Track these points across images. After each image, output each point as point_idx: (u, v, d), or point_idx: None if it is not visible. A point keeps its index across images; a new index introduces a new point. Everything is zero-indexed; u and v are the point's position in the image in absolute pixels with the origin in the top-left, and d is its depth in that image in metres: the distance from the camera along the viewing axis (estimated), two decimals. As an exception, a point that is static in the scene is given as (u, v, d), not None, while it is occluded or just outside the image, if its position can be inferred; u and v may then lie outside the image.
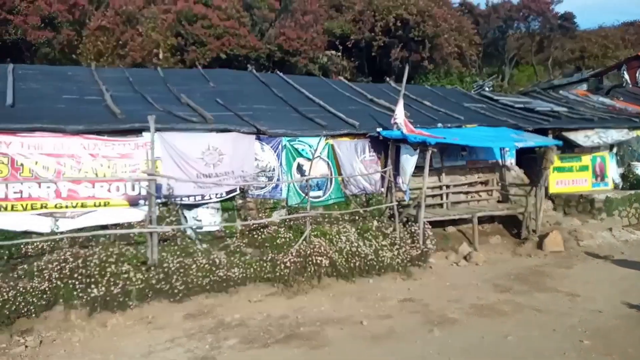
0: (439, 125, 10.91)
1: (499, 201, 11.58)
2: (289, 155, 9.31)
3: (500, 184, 11.70)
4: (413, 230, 9.08)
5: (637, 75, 19.11)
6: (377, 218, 9.65)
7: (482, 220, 10.67)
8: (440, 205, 11.05)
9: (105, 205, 7.59)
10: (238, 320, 6.41)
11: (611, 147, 13.07)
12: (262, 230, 8.33)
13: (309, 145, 9.46)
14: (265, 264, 7.60)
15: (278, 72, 13.84)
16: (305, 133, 9.44)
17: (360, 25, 21.43)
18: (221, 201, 8.60)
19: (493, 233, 10.85)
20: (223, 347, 5.60)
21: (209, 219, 8.52)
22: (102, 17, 17.64)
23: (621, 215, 11.70)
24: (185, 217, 8.31)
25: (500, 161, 11.78)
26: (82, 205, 7.45)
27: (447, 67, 22.96)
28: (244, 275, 7.39)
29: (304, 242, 8.05)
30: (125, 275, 6.66)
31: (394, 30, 20.90)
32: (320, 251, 7.88)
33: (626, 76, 19.31)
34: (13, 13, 15.77)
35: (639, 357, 5.04)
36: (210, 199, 8.46)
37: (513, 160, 12.35)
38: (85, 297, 6.33)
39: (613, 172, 13.09)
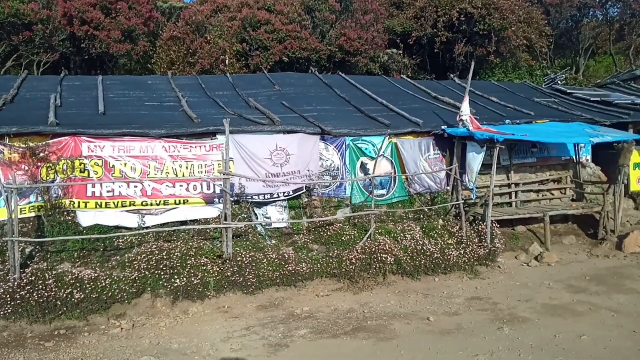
0: (507, 121, 10.61)
1: (572, 200, 11.05)
2: (353, 154, 9.51)
3: (574, 182, 11.15)
4: (480, 229, 8.95)
5: None
6: (442, 217, 9.61)
7: (554, 220, 10.26)
8: (509, 204, 10.74)
9: (184, 202, 8.20)
10: (307, 313, 6.71)
11: (702, 140, 11.99)
12: (327, 227, 8.60)
13: (372, 144, 9.60)
14: (331, 260, 7.86)
15: (340, 72, 14.07)
16: (368, 132, 9.59)
17: (421, 22, 21.11)
18: (288, 199, 8.96)
19: (567, 233, 10.39)
20: (294, 336, 5.91)
21: (277, 216, 8.92)
22: (173, 27, 18.82)
23: None
24: (255, 214, 8.77)
25: (574, 158, 11.24)
26: (165, 203, 8.10)
27: (515, 61, 22.02)
28: (311, 270, 7.69)
29: (369, 239, 8.22)
30: (204, 268, 7.20)
31: (457, 24, 20.39)
32: (384, 248, 8.01)
33: None
34: (98, 29, 17.29)
35: None
36: (278, 197, 8.85)
37: (589, 157, 11.74)
38: (169, 286, 6.92)
39: None
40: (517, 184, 10.79)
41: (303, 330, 6.06)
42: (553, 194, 11.12)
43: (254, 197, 8.66)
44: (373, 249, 8.00)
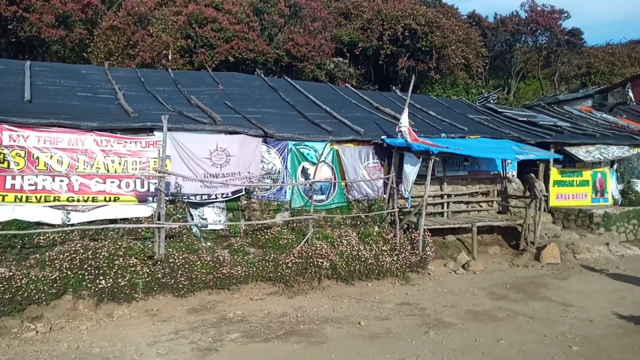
0: (443, 135, 11.14)
1: (498, 212, 11.76)
2: (295, 158, 9.54)
3: (500, 195, 11.89)
4: (413, 237, 9.28)
5: (641, 93, 19.27)
6: (378, 224, 9.87)
7: (481, 231, 10.86)
8: (441, 213, 11.25)
9: (115, 200, 7.82)
10: (240, 316, 6.62)
11: (612, 163, 13.26)
12: (265, 230, 8.55)
13: (314, 150, 9.70)
14: (267, 264, 7.81)
15: (286, 77, 14.10)
16: (311, 138, 9.68)
17: (368, 34, 21.68)
18: (227, 201, 8.82)
19: (492, 243, 11.03)
20: (225, 340, 5.81)
21: (214, 217, 8.74)
22: (114, 17, 17.95)
23: (619, 231, 11.87)
24: (191, 215, 8.54)
25: (501, 173, 11.98)
26: (93, 200, 7.68)
27: (453, 78, 23.18)
28: (247, 273, 7.60)
29: (306, 244, 8.26)
30: (133, 269, 6.89)
31: (401, 39, 21.14)
32: (321, 253, 8.09)
33: (630, 94, 19.48)
34: (29, 10, 16.11)
35: (625, 364, 5.23)
36: (216, 198, 8.68)
37: (515, 172, 12.58)
38: (93, 287, 6.56)
39: (613, 188, 13.27)
40: (449, 195, 11.33)
41: (234, 334, 5.97)
42: (481, 206, 11.79)
43: (191, 197, 8.44)
44: (310, 254, 8.05)
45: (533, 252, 10.35)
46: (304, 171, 9.60)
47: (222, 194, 8.73)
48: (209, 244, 8.19)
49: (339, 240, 8.72)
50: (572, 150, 12.43)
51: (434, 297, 7.74)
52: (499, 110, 15.11)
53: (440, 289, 8.21)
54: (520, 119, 14.06)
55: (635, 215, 12.18)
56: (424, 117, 12.68)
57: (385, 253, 8.83)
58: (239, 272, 7.54)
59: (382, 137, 10.29)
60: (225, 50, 17.22)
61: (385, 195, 10.35)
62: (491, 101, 16.96)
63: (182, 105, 9.92)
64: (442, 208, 11.30)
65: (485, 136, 11.70)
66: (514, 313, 6.93)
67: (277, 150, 9.39)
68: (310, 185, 8.91)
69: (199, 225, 8.47)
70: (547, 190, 12.26)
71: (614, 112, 17.28)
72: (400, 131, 9.90)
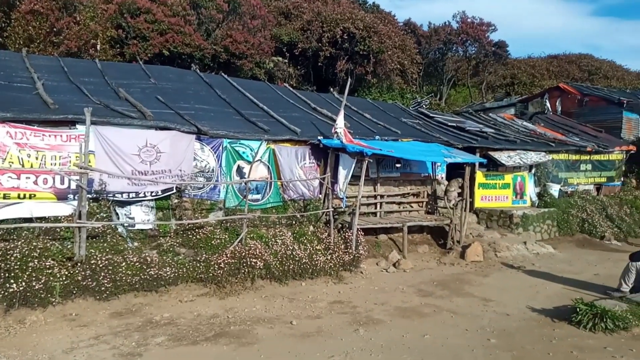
0: (377, 137, 11.43)
1: (427, 212, 12.27)
2: (230, 157, 9.37)
3: (430, 197, 12.40)
4: (347, 236, 9.43)
5: (556, 104, 20.97)
6: (313, 223, 9.92)
7: (412, 230, 11.27)
8: (375, 213, 11.54)
9: (30, 197, 7.24)
10: (167, 319, 6.38)
11: (530, 167, 14.27)
12: (197, 230, 8.31)
13: (250, 149, 9.57)
14: (198, 264, 7.60)
15: (223, 73, 13.81)
16: (246, 136, 9.54)
17: (308, 35, 21.83)
18: (156, 199, 8.47)
19: (422, 242, 11.48)
20: (150, 344, 5.56)
21: (142, 217, 8.36)
22: (35, 0, 16.67)
23: (535, 231, 12.81)
24: (117, 214, 8.11)
25: (431, 175, 12.51)
26: (5, 197, 7.06)
27: (389, 83, 23.92)
28: (176, 274, 7.35)
29: (240, 244, 8.13)
30: (49, 271, 6.42)
31: (340, 42, 21.50)
32: (255, 253, 8.00)
33: (547, 104, 21.13)
34: None
35: (533, 351, 5.64)
36: (145, 196, 8.31)
37: (444, 175, 13.16)
38: (2, 292, 6.02)
39: (531, 190, 14.29)
40: (382, 196, 11.64)
41: (160, 338, 5.74)
42: (412, 207, 12.24)
43: (117, 195, 8.01)
44: (243, 254, 7.93)
45: (459, 250, 10.90)
46: (239, 170, 9.44)
47: (152, 192, 8.37)
48: (136, 244, 7.82)
49: (273, 240, 8.67)
50: (496, 155, 13.25)
51: (365, 295, 7.91)
52: (431, 115, 15.78)
53: (372, 287, 8.41)
54: (449, 124, 14.77)
55: (549, 216, 13.21)
56: (360, 120, 12.94)
57: (320, 252, 8.90)
58: (168, 273, 7.27)
59: (319, 137, 10.38)
60: (159, 43, 16.58)
61: (321, 195, 10.44)
62: (424, 106, 17.69)
63: (109, 98, 9.40)
64: (376, 208, 11.60)
65: (417, 139, 12.16)
66: (439, 309, 7.25)
67: (212, 148, 9.16)
68: (245, 184, 8.77)
69: (126, 224, 8.06)
70: (473, 193, 12.98)
71: (533, 121, 18.64)
72: (336, 132, 10.03)
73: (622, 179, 16.61)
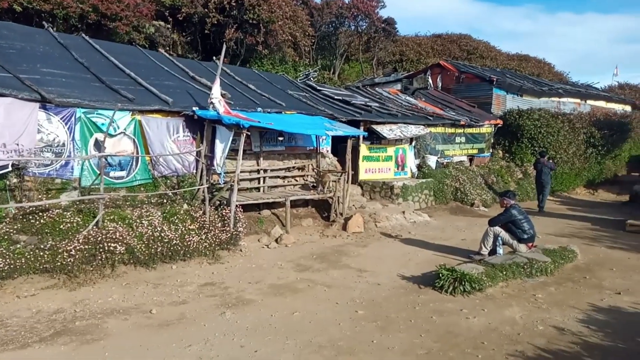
0: (259, 109, 10.94)
1: (313, 186, 12.19)
2: (85, 129, 8.24)
3: (315, 170, 12.32)
4: (224, 213, 8.93)
5: (437, 80, 22.16)
6: (188, 201, 9.26)
7: (296, 204, 11.11)
8: (258, 189, 11.15)
9: None
10: (-5, 320, 5.42)
11: (411, 140, 14.88)
12: (42, 214, 7.20)
13: (112, 120, 8.50)
14: (42, 253, 6.60)
15: (84, 35, 12.17)
16: (105, 105, 8.45)
17: (193, -1, 20.28)
18: (-11, 179, 7.18)
19: (306, 216, 11.38)
20: (-38, 354, 4.63)
21: (-29, 200, 7.03)
22: None
23: (414, 200, 13.44)
24: None
25: (316, 148, 12.40)
26: None
27: (282, 55, 23.30)
28: (13, 266, 6.30)
29: (96, 227, 7.23)
30: None
31: (228, 9, 20.31)
32: (114, 237, 7.19)
33: (430, 80, 22.26)
34: None
35: (397, 320, 5.72)
36: (-27, 176, 6.98)
37: (329, 148, 13.16)
38: None
39: (411, 162, 14.94)
40: (265, 170, 11.27)
41: (-22, 345, 4.82)
42: (297, 181, 12.07)
43: None
44: (100, 238, 7.06)
45: (341, 222, 10.99)
46: (98, 144, 8.36)
47: (-18, 171, 7.05)
48: (-40, 233, 6.55)
49: (138, 221, 7.88)
50: (378, 128, 13.54)
51: (240, 274, 7.54)
52: (318, 88, 15.64)
53: (249, 265, 8.07)
54: (336, 97, 14.76)
55: (427, 186, 13.93)
56: (243, 91, 12.31)
57: (193, 232, 8.31)
58: (2, 265, 6.19)
59: (194, 108, 9.61)
60: (7, -4, 14.10)
61: (196, 171, 9.75)
62: (312, 79, 17.48)
63: None
64: (259, 183, 11.20)
65: (301, 112, 11.90)
66: (314, 283, 7.14)
67: (62, 119, 7.96)
68: (100, 159, 7.77)
69: (-53, 210, 6.71)
70: (357, 165, 13.18)
71: (416, 96, 19.49)
72: (212, 103, 9.35)
73: (491, 150, 18.13)
